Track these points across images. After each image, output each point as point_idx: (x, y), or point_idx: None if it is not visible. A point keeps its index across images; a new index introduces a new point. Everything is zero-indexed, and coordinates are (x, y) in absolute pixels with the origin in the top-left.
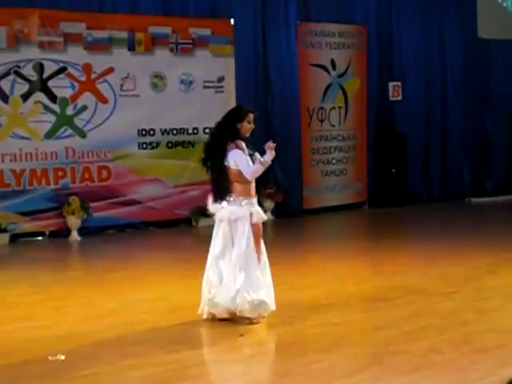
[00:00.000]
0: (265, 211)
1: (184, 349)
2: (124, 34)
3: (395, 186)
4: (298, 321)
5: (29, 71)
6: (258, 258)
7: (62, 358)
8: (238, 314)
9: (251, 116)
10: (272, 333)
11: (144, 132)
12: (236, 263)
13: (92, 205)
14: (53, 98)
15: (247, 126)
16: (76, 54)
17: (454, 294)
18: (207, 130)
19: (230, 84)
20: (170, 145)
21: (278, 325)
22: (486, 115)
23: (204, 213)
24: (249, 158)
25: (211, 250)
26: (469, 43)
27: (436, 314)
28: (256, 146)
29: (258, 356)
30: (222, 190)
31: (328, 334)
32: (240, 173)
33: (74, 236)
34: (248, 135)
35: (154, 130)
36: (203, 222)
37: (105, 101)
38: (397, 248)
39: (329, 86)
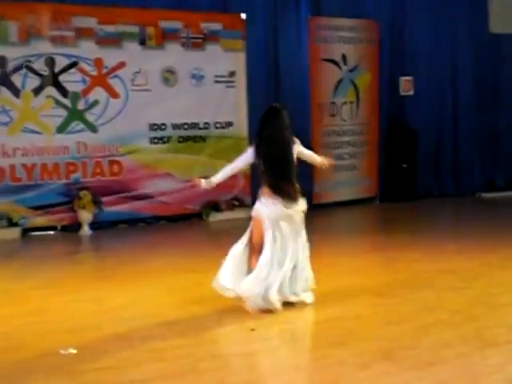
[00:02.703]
0: None
1: (195, 343)
2: (135, 29)
3: (406, 181)
4: (309, 315)
5: (40, 66)
6: None
7: (74, 351)
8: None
9: None
10: (282, 327)
11: (155, 127)
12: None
13: (103, 199)
14: (64, 92)
15: None
16: (87, 49)
17: (465, 289)
18: (218, 125)
19: (241, 79)
20: (181, 139)
21: (288, 319)
22: (498, 110)
23: (215, 207)
24: None
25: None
26: (480, 38)
27: (446, 310)
28: None
29: (269, 350)
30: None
31: (338, 328)
32: None
33: (86, 230)
34: None
35: (165, 124)
36: (214, 217)
37: (116, 95)
38: (407, 243)
39: (340, 80)
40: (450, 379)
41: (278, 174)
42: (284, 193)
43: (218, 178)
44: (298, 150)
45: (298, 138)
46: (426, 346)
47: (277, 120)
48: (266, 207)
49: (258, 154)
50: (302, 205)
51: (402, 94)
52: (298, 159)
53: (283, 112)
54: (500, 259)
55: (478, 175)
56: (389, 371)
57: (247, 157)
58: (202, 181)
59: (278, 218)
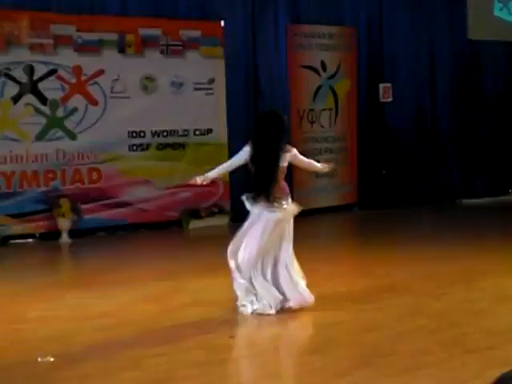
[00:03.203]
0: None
1: (174, 350)
2: (114, 36)
3: (385, 188)
4: (288, 322)
5: (19, 73)
6: None
7: (52, 359)
8: None
9: None
10: (262, 334)
11: (134, 134)
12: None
13: (82, 207)
14: (43, 100)
15: None
16: (66, 57)
17: (444, 295)
18: (197, 132)
19: (221, 86)
20: (160, 147)
21: (268, 326)
22: (476, 116)
23: (194, 214)
24: None
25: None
26: (458, 44)
27: (426, 316)
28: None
29: (249, 358)
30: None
31: (318, 335)
32: None
33: (65, 238)
34: None
35: (144, 131)
36: (193, 224)
37: (95, 103)
38: (386, 250)
39: (319, 87)
40: None
41: (257, 178)
42: (260, 197)
43: (214, 173)
44: (294, 158)
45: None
46: (406, 353)
47: (271, 126)
48: (251, 206)
49: (250, 155)
50: (281, 211)
51: (381, 100)
52: (294, 167)
53: (281, 119)
54: (480, 265)
55: (457, 181)
56: (368, 378)
57: (244, 154)
58: (197, 177)
59: (259, 216)
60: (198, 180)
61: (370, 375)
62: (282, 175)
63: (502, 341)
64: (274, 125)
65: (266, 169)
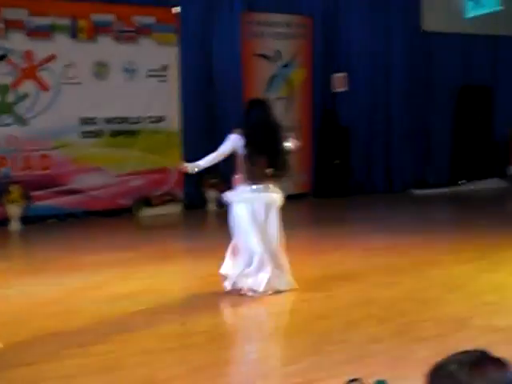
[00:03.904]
0: (207, 201)
1: (123, 338)
2: (66, 21)
3: (339, 177)
4: (238, 310)
5: None
6: None
7: (1, 345)
8: None
9: None
10: (212, 322)
11: (86, 120)
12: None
13: (33, 194)
14: None
15: None
16: (17, 41)
17: (394, 284)
18: (150, 119)
19: (174, 73)
20: (112, 134)
21: (218, 314)
22: (429, 107)
23: (146, 202)
24: None
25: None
26: (413, 35)
27: (376, 304)
28: (200, 135)
29: (198, 345)
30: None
31: (268, 323)
32: None
33: (15, 225)
34: None
35: (96, 118)
36: (145, 212)
37: (46, 88)
38: (339, 239)
39: (274, 76)
40: (378, 372)
41: (262, 162)
42: (262, 179)
43: (206, 162)
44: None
45: (231, 132)
46: (355, 340)
47: (261, 109)
48: (241, 193)
49: (246, 142)
50: (277, 193)
51: (336, 90)
52: None
53: (265, 102)
54: (429, 255)
55: (409, 172)
56: (318, 365)
57: (233, 142)
58: (189, 165)
59: (251, 202)
60: (189, 167)
61: (319, 363)
62: None
63: (451, 329)
64: (263, 108)
65: (272, 150)
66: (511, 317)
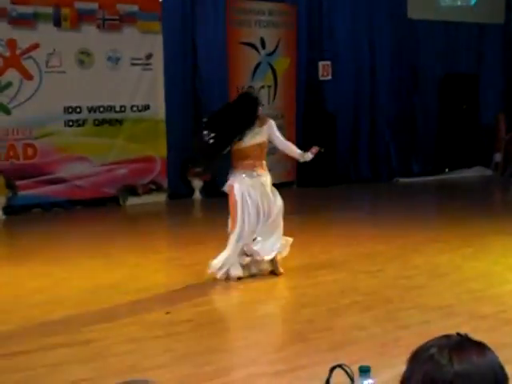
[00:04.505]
0: (193, 190)
1: (109, 326)
2: (49, 10)
3: (323, 166)
4: (223, 299)
5: None
6: None
7: None
8: None
9: None
10: (197, 311)
11: (70, 109)
12: None
13: (18, 183)
14: None
15: None
16: (0, 29)
17: (379, 271)
18: (135, 108)
19: (158, 61)
20: (96, 122)
21: (203, 303)
22: (414, 96)
23: (132, 191)
24: None
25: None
26: (398, 23)
27: (360, 292)
28: (185, 124)
29: (184, 333)
30: None
31: (254, 311)
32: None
33: None
34: None
35: (80, 107)
36: (130, 201)
37: (30, 77)
38: (324, 227)
39: (258, 64)
40: (362, 360)
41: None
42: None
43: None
44: (269, 132)
45: None
46: (340, 328)
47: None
48: (237, 180)
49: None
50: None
51: (321, 78)
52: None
53: (243, 96)
54: (414, 243)
55: (394, 160)
56: (303, 353)
57: None
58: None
59: (247, 187)
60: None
61: (303, 350)
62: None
63: (436, 316)
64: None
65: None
66: (495, 304)
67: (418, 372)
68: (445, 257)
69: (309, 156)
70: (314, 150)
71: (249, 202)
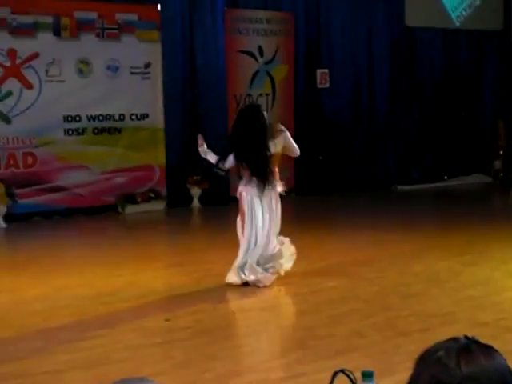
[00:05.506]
0: (192, 198)
1: (109, 333)
2: (49, 19)
3: (322, 174)
4: (223, 306)
5: None
6: None
7: None
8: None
9: None
10: (196, 318)
11: (70, 118)
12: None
13: (18, 191)
14: None
15: None
16: (0, 39)
17: (379, 279)
18: (134, 117)
19: (157, 70)
20: (96, 131)
21: (202, 310)
22: (413, 103)
23: (131, 199)
24: None
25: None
26: (396, 31)
27: (360, 299)
28: (183, 132)
29: (183, 340)
30: None
31: (254, 318)
32: None
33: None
34: None
35: (80, 116)
36: (129, 209)
37: (30, 86)
38: (323, 235)
39: (256, 72)
40: (362, 366)
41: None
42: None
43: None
44: (285, 142)
45: (213, 129)
46: (339, 335)
47: (244, 121)
48: (245, 188)
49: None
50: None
51: (319, 86)
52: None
53: (251, 110)
54: (413, 250)
55: (393, 168)
56: (303, 360)
57: (230, 162)
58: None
59: (254, 196)
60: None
61: (303, 357)
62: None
63: (435, 323)
64: (246, 118)
65: (256, 159)
66: (495, 311)
67: (424, 375)
68: (444, 264)
69: None
70: None
71: (256, 209)
